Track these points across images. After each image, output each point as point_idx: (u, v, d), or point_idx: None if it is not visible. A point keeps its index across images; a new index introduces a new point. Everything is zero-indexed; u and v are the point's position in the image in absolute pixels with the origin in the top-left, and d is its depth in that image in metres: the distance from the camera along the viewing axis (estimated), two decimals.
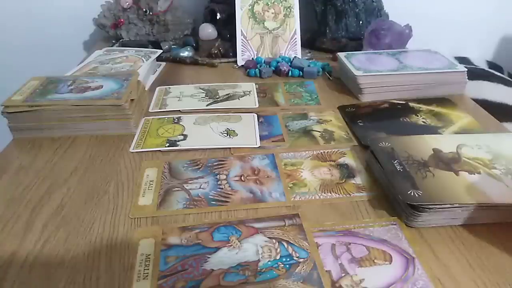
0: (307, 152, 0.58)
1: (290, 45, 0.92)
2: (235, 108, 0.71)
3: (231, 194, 0.50)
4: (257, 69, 0.85)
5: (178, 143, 0.60)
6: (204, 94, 0.76)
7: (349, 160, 0.57)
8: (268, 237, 0.43)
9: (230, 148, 0.59)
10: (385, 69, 0.74)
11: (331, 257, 0.41)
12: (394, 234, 0.44)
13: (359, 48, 0.91)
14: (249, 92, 0.77)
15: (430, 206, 0.43)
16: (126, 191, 0.51)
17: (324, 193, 0.50)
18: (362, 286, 0.38)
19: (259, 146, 0.60)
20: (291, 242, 0.42)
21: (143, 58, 0.84)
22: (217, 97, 0.75)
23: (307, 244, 0.42)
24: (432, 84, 0.74)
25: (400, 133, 0.59)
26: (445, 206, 0.43)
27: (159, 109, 0.71)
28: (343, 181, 0.52)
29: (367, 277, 0.38)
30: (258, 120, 0.67)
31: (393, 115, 0.68)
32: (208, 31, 1.04)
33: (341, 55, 0.81)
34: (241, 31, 0.90)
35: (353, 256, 0.41)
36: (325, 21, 0.99)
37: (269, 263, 0.40)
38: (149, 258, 0.41)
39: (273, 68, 0.86)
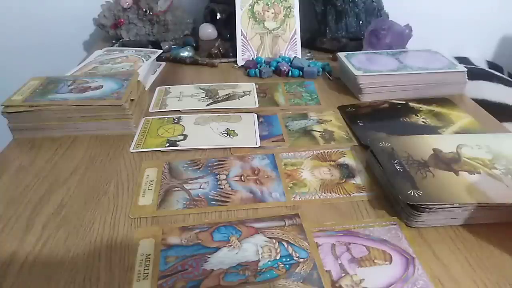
0: (307, 152, 0.58)
1: (290, 45, 0.92)
2: (235, 108, 0.71)
3: (231, 194, 0.50)
4: (257, 69, 0.85)
5: (178, 143, 0.60)
6: (204, 94, 0.76)
7: (349, 160, 0.57)
8: (268, 237, 0.43)
9: (230, 148, 0.59)
10: (385, 69, 0.74)
11: (331, 257, 0.41)
12: (394, 234, 0.44)
13: (359, 48, 0.91)
14: (249, 92, 0.77)
15: (430, 206, 0.43)
16: (126, 191, 0.51)
17: (324, 193, 0.50)
18: (362, 286, 0.38)
19: (259, 146, 0.60)
20: (291, 242, 0.42)
21: (143, 58, 0.84)
22: (217, 97, 0.75)
23: (307, 244, 0.42)
24: (432, 84, 0.74)
25: (400, 133, 0.59)
26: (445, 206, 0.43)
27: (159, 109, 0.71)
28: (343, 181, 0.52)
29: (367, 277, 0.38)
30: (258, 120, 0.67)
31: (393, 115, 0.68)
32: (208, 31, 1.04)
33: (341, 55, 0.81)
34: (241, 31, 0.90)
35: (353, 256, 0.41)
36: (325, 21, 0.99)
37: (269, 263, 0.40)
38: (149, 258, 0.41)
39: (273, 68, 0.86)
